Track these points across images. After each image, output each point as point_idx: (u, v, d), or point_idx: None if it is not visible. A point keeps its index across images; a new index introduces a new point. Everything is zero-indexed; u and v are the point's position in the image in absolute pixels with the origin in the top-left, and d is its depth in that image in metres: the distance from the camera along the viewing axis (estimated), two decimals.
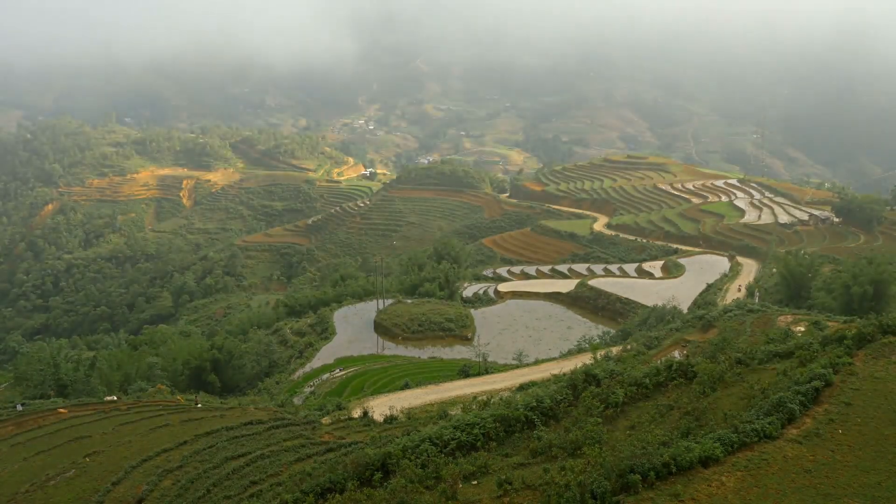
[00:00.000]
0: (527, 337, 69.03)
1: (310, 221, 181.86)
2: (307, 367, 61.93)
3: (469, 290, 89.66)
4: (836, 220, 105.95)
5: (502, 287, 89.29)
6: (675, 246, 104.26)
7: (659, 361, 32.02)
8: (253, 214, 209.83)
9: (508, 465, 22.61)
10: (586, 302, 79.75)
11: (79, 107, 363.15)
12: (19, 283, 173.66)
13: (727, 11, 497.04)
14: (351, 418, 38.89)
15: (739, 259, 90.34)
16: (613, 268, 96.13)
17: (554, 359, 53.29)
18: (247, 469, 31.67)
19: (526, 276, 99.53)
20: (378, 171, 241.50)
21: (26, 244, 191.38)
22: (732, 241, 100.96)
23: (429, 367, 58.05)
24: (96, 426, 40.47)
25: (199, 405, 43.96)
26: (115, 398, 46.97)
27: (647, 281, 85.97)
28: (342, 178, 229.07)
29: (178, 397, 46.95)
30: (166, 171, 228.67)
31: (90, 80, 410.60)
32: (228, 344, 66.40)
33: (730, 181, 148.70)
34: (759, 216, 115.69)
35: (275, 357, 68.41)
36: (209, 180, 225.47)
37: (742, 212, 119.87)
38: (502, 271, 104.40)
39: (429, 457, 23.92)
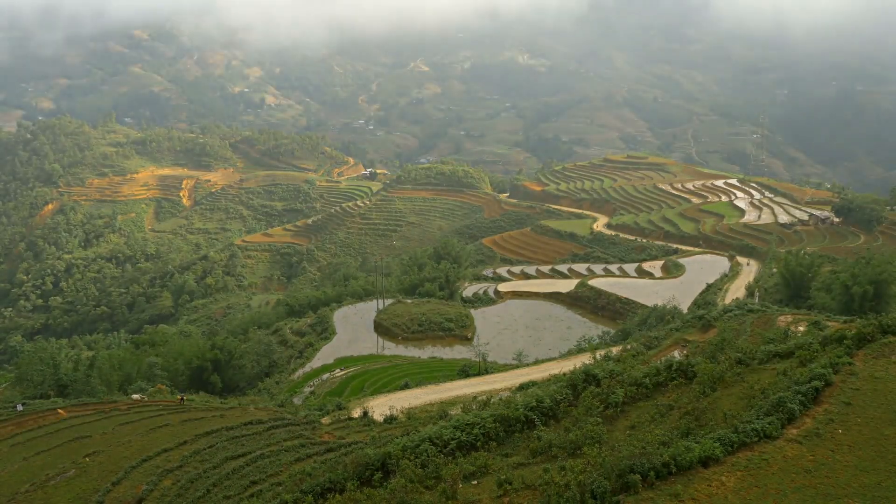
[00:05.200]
0: (527, 337, 69.06)
1: (310, 221, 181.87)
2: (307, 367, 61.96)
3: (469, 290, 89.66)
4: (836, 220, 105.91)
5: (502, 287, 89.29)
6: (675, 246, 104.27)
7: (659, 361, 32.00)
8: (253, 214, 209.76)
9: (508, 465, 22.60)
10: (586, 302, 79.76)
11: (79, 107, 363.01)
12: (19, 283, 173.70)
13: (727, 11, 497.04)
14: (351, 418, 38.91)
15: (739, 259, 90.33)
16: (613, 268, 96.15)
17: (554, 359, 53.25)
18: (247, 469, 31.68)
19: (526, 276, 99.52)
20: (378, 171, 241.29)
21: (26, 244, 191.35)
22: (732, 241, 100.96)
23: (429, 367, 58.05)
24: (96, 426, 40.47)
25: (183, 401, 44.52)
26: (139, 397, 47.50)
27: (647, 281, 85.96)
28: (342, 178, 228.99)
29: (177, 397, 46.95)
30: (166, 171, 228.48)
31: (90, 80, 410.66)
32: (229, 344, 66.43)
33: (730, 181, 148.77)
34: (759, 216, 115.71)
35: (275, 357, 68.42)
36: (209, 180, 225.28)
37: (742, 212, 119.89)
38: (502, 271, 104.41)
39: (429, 457, 23.91)
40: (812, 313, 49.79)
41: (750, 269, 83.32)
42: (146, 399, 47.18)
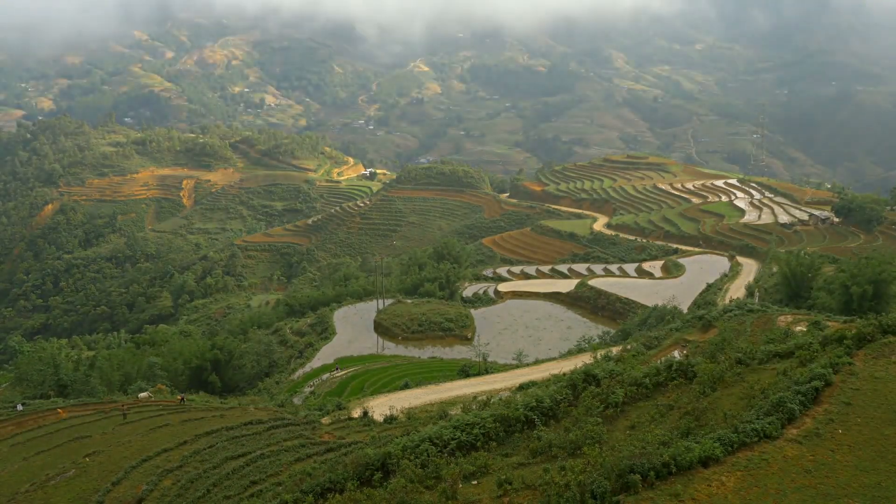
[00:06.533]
0: (527, 337, 69.03)
1: (310, 221, 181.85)
2: (307, 367, 61.97)
3: (469, 290, 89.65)
4: (836, 220, 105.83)
5: (502, 287, 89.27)
6: (675, 246, 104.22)
7: (659, 361, 31.99)
8: (253, 214, 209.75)
9: (508, 465, 22.58)
10: (586, 302, 79.73)
11: (79, 107, 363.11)
12: (19, 283, 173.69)
13: (727, 12, 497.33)
14: (351, 418, 38.89)
15: (739, 259, 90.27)
16: (613, 268, 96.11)
17: (554, 359, 53.23)
18: (247, 469, 31.67)
19: (526, 276, 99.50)
20: (378, 171, 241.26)
21: (26, 244, 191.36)
22: (732, 241, 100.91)
23: (429, 367, 58.05)
24: (96, 426, 40.47)
25: (183, 401, 44.54)
26: (146, 395, 47.58)
27: (647, 281, 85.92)
28: (342, 178, 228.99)
29: (177, 397, 46.96)
30: (166, 171, 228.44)
31: (90, 80, 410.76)
32: (229, 344, 66.44)
33: (730, 181, 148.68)
34: (759, 216, 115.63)
35: (275, 357, 68.43)
36: (209, 180, 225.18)
37: (742, 212, 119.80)
38: (502, 271, 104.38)
39: (429, 457, 23.88)
40: (812, 313, 49.70)
41: (749, 270, 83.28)
42: (153, 398, 47.25)
